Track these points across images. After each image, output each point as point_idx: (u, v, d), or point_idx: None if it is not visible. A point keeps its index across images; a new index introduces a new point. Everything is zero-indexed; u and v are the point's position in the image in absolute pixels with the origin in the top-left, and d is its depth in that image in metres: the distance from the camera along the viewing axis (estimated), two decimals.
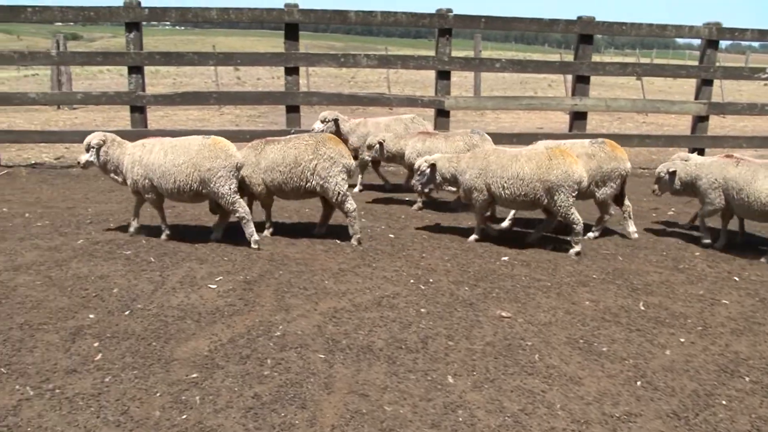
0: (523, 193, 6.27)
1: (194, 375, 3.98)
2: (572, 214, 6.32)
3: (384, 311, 4.96)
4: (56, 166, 10.39)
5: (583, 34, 10.07)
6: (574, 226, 6.38)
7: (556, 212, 6.39)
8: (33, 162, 10.41)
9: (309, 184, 6.45)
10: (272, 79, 31.97)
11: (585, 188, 6.49)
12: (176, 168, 6.16)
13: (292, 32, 9.53)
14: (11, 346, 4.35)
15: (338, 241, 6.64)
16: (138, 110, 9.54)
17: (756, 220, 6.69)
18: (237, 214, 6.27)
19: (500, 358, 4.30)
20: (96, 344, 4.36)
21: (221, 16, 9.29)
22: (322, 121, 8.66)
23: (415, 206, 8.15)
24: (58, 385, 3.86)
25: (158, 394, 3.77)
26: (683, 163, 6.97)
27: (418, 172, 6.81)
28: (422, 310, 5.02)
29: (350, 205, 6.50)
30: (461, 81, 27.74)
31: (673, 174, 6.94)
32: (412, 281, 5.62)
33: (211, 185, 6.14)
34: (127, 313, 4.84)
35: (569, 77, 15.55)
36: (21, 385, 3.87)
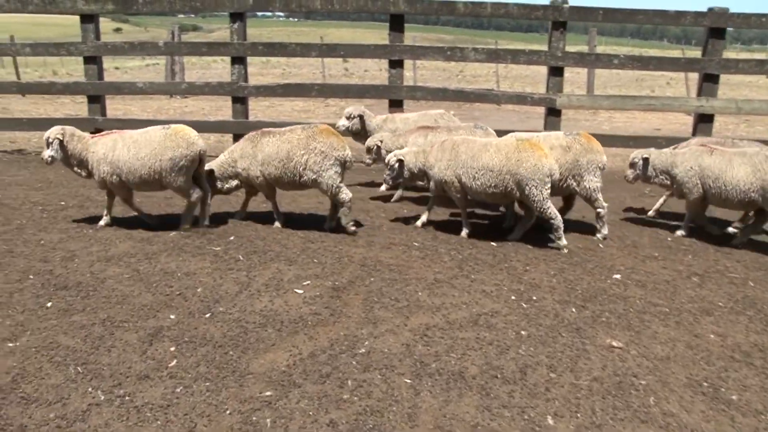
0: (493, 185, 6.16)
1: (268, 393, 3.68)
2: (548, 208, 6.16)
3: (480, 331, 4.52)
4: None
5: (714, 28, 9.17)
6: (552, 221, 6.23)
7: (530, 206, 6.26)
8: None
9: (303, 178, 6.41)
10: (380, 71, 31.84)
11: (558, 181, 6.40)
12: (140, 161, 6.18)
13: (397, 23, 9.17)
14: (91, 343, 4.22)
15: (436, 247, 6.24)
16: (239, 101, 9.46)
17: (732, 209, 6.74)
18: (191, 198, 6.36)
19: (609, 398, 3.77)
20: (172, 348, 4.15)
21: (325, 6, 9.04)
22: (348, 117, 8.20)
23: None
24: (129, 392, 3.67)
25: (228, 412, 3.50)
26: (657, 150, 7.04)
27: (388, 167, 6.72)
28: (523, 332, 4.54)
29: (345, 195, 6.43)
30: (573, 77, 26.60)
31: (646, 161, 6.95)
32: (513, 298, 5.14)
33: (172, 175, 6.20)
34: (207, 315, 4.63)
35: (691, 75, 14.43)
36: (93, 388, 3.72)
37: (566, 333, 4.56)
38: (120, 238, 6.25)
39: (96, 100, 9.87)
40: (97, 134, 6.59)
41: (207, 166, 6.66)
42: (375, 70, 32.41)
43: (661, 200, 7.79)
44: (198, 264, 5.58)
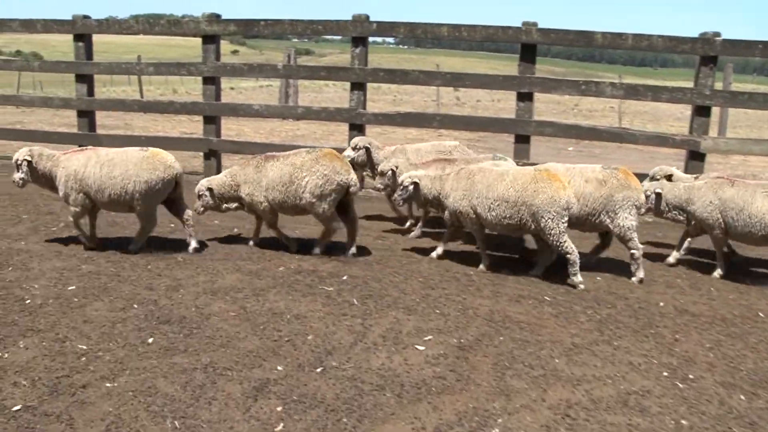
0: (507, 216, 5.90)
1: None
2: (564, 242, 5.83)
3: (632, 416, 3.81)
4: None
5: None
6: (568, 255, 5.86)
7: (546, 240, 5.93)
8: None
9: (302, 201, 6.25)
10: (492, 102, 31.25)
11: (589, 215, 6.17)
12: (112, 181, 6.09)
13: (528, 54, 8.56)
14: (191, 392, 3.81)
15: (570, 304, 5.55)
16: (357, 128, 9.08)
17: (755, 244, 6.36)
18: (145, 227, 6.34)
19: None
20: (279, 408, 3.67)
21: (452, 33, 8.56)
22: (353, 148, 7.65)
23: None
24: None
25: None
26: (670, 184, 6.66)
27: (401, 187, 6.41)
28: (683, 421, 3.79)
29: (336, 225, 6.32)
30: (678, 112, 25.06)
31: (659, 196, 6.61)
32: (665, 374, 4.38)
33: (142, 197, 6.12)
34: (319, 370, 4.13)
35: None
36: None
37: (738, 429, 3.78)
38: (228, 269, 5.91)
39: (212, 120, 9.75)
40: (70, 151, 6.47)
41: (206, 183, 6.59)
42: (487, 101, 31.84)
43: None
44: (309, 306, 5.14)
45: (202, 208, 6.62)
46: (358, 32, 8.87)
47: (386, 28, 8.84)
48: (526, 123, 8.67)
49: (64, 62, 11.22)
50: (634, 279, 6.21)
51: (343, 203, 6.39)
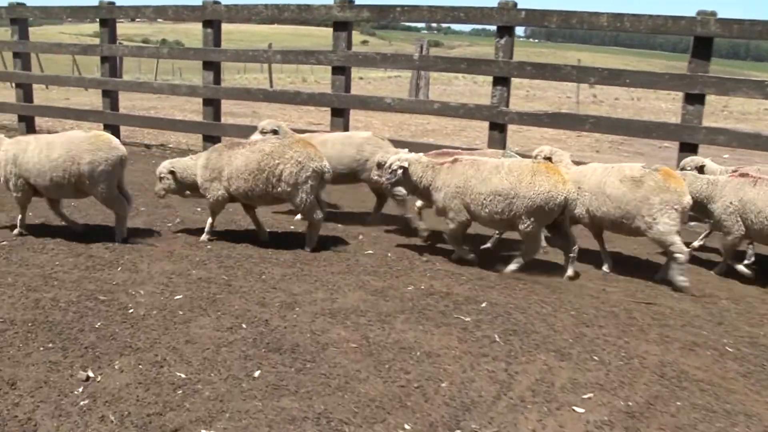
0: (500, 210, 5.45)
1: None
2: (539, 237, 5.60)
3: None
4: None
5: None
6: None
7: (523, 235, 5.55)
8: None
9: (276, 190, 5.91)
10: (631, 101, 29.30)
11: (618, 219, 5.64)
12: (52, 163, 5.85)
13: (703, 48, 7.32)
14: None
15: (759, 357, 4.44)
16: (498, 128, 8.18)
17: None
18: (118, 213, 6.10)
19: None
20: None
21: (612, 24, 7.47)
22: (261, 132, 7.16)
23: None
24: None
25: None
26: (694, 176, 6.10)
27: (389, 170, 5.85)
28: None
29: (317, 215, 6.01)
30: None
31: None
32: None
33: (91, 179, 5.87)
34: None
35: None
36: None
37: None
38: (350, 285, 5.20)
39: (340, 113, 9.13)
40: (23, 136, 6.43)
41: (168, 165, 6.26)
42: (626, 99, 29.91)
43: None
44: (442, 340, 4.33)
45: (163, 192, 6.31)
46: (504, 21, 7.94)
47: (536, 17, 7.85)
48: (694, 129, 7.42)
49: (193, 49, 10.97)
50: (680, 282, 5.53)
51: None
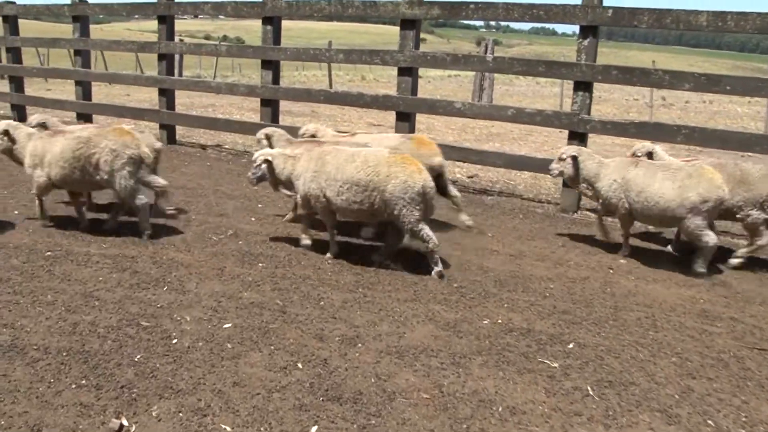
0: (359, 201, 5.39)
1: None
2: (421, 229, 5.35)
3: None
4: (473, 189, 8.92)
5: None
6: (426, 243, 5.39)
7: (401, 228, 5.45)
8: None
9: (96, 178, 6.00)
10: (703, 103, 27.93)
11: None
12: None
13: None
14: None
15: None
16: (578, 136, 7.45)
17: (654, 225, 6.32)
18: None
19: None
20: None
21: (713, 23, 6.68)
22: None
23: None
24: None
25: None
26: (588, 155, 6.34)
27: (255, 165, 5.85)
28: None
29: (140, 200, 6.03)
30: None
31: (575, 159, 6.32)
32: None
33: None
34: None
35: None
36: None
37: None
38: (419, 317, 4.62)
39: (405, 117, 8.54)
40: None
41: None
42: (697, 102, 28.51)
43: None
44: (527, 392, 3.71)
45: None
46: (589, 20, 7.22)
47: (624, 16, 7.09)
48: None
49: (251, 47, 10.53)
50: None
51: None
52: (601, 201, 6.21)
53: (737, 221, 6.14)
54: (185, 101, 18.04)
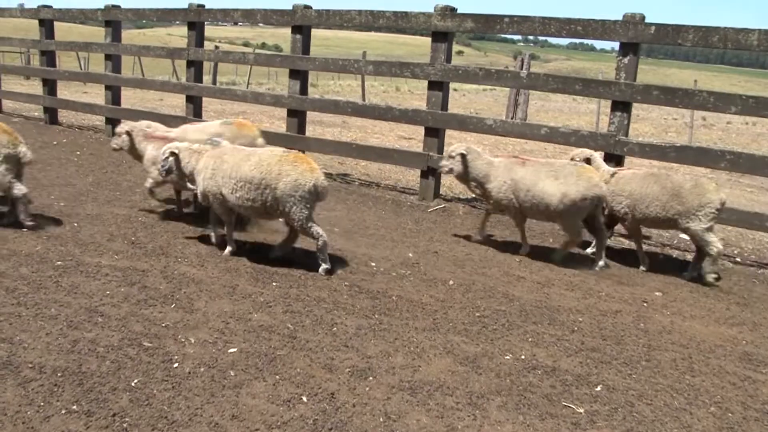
0: (251, 198, 5.53)
1: None
2: (311, 227, 5.51)
3: None
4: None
5: None
6: (316, 240, 5.55)
7: (292, 225, 5.66)
8: (470, 197, 8.80)
9: None
10: (746, 125, 27.21)
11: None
12: None
13: None
14: None
15: None
16: (614, 159, 7.07)
17: (539, 219, 6.53)
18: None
19: None
20: None
21: (764, 42, 6.30)
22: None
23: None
24: None
25: None
26: (477, 154, 6.53)
27: (163, 158, 6.03)
28: None
29: (18, 191, 6.18)
30: None
31: (464, 157, 6.49)
32: None
33: None
34: None
35: None
36: None
37: None
38: (436, 348, 4.33)
39: (434, 133, 8.27)
40: None
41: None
42: (739, 123, 27.80)
43: None
44: None
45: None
46: (630, 37, 6.88)
47: (668, 34, 6.71)
48: None
49: (280, 56, 10.41)
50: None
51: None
52: (492, 201, 6.50)
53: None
54: (217, 107, 18.00)
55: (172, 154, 5.98)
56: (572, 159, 6.60)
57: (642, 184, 6.14)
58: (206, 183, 5.78)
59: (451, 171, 6.62)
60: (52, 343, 4.07)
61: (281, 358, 4.06)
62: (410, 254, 6.26)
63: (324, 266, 5.58)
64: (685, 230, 6.07)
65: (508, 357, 4.30)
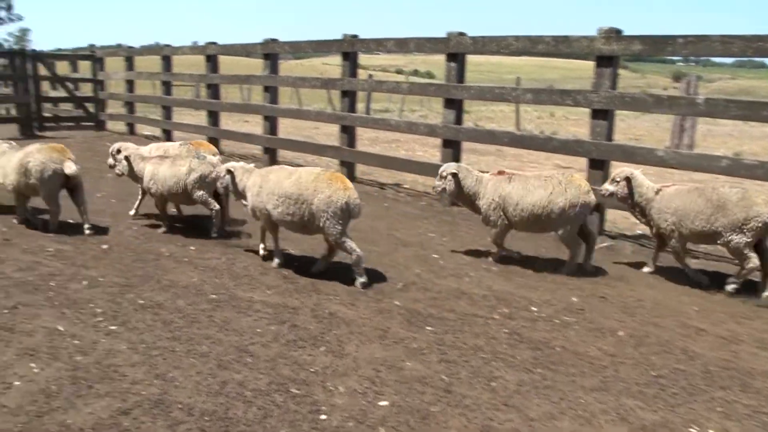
0: (291, 213, 5.88)
1: None
2: (344, 241, 5.79)
3: None
4: None
5: None
6: (350, 255, 5.82)
7: (327, 239, 5.97)
8: (639, 232, 8.09)
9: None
10: None
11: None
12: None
13: None
14: None
15: None
16: None
17: (533, 231, 6.68)
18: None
19: None
20: None
21: None
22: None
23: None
24: None
25: None
26: (467, 170, 6.73)
27: (222, 174, 6.56)
28: None
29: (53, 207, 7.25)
30: None
31: (455, 176, 6.64)
32: None
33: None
34: None
35: None
36: None
37: None
38: (607, 413, 3.80)
39: (598, 165, 7.67)
40: None
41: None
42: None
43: None
44: None
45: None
46: None
47: None
48: None
49: (434, 85, 10.22)
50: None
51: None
52: (481, 216, 6.63)
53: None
54: (371, 135, 18.13)
55: (229, 172, 6.45)
56: (613, 179, 6.54)
57: (687, 200, 6.02)
58: (254, 199, 6.20)
59: (444, 191, 6.73)
60: (201, 383, 3.99)
61: (434, 415, 3.72)
62: (574, 298, 5.73)
63: (360, 280, 5.81)
64: (726, 244, 5.88)
65: (692, 430, 3.70)
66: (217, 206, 7.21)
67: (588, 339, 4.88)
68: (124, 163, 7.59)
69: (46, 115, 18.46)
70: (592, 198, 6.27)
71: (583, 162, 8.21)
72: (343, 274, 6.09)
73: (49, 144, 7.37)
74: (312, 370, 4.22)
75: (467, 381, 4.15)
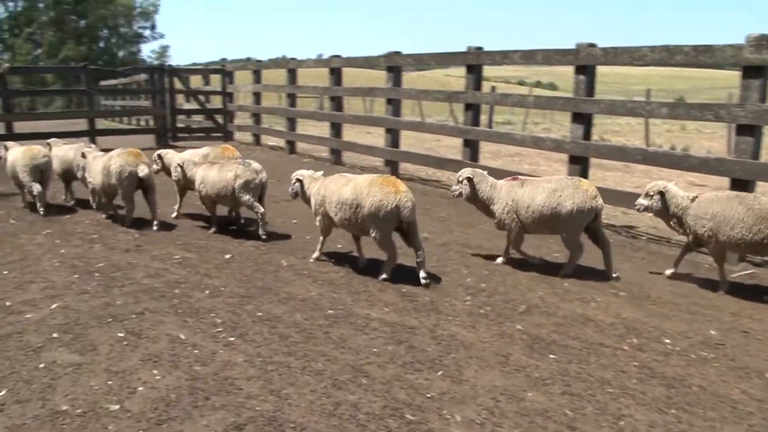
0: (347, 217, 6.26)
1: None
2: (385, 242, 6.18)
3: None
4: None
5: None
6: (387, 255, 6.27)
7: (375, 240, 6.22)
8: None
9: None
10: None
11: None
12: None
13: None
14: None
15: None
16: None
17: (545, 233, 6.78)
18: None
19: None
20: None
21: None
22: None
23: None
24: None
25: None
26: (482, 176, 6.92)
27: (292, 183, 7.03)
28: None
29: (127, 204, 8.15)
30: None
31: (470, 180, 6.83)
32: None
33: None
34: None
35: None
36: None
37: None
38: None
39: (742, 185, 7.06)
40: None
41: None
42: None
43: None
44: None
45: None
46: None
47: None
48: None
49: (562, 98, 9.80)
50: None
51: None
52: (495, 220, 6.80)
53: None
54: (492, 148, 17.79)
55: (298, 180, 6.93)
56: (647, 194, 6.53)
57: (726, 206, 5.91)
58: (316, 207, 6.69)
59: (461, 195, 6.93)
60: (314, 402, 3.94)
61: None
62: (712, 331, 5.26)
63: (383, 276, 6.23)
64: None
65: None
66: (262, 209, 7.63)
67: (730, 379, 4.44)
68: (179, 169, 8.36)
69: (180, 125, 19.46)
70: (600, 203, 6.37)
71: (718, 181, 7.62)
72: (456, 293, 5.91)
73: (128, 149, 8.13)
74: (428, 395, 4.06)
75: (593, 418, 3.85)
